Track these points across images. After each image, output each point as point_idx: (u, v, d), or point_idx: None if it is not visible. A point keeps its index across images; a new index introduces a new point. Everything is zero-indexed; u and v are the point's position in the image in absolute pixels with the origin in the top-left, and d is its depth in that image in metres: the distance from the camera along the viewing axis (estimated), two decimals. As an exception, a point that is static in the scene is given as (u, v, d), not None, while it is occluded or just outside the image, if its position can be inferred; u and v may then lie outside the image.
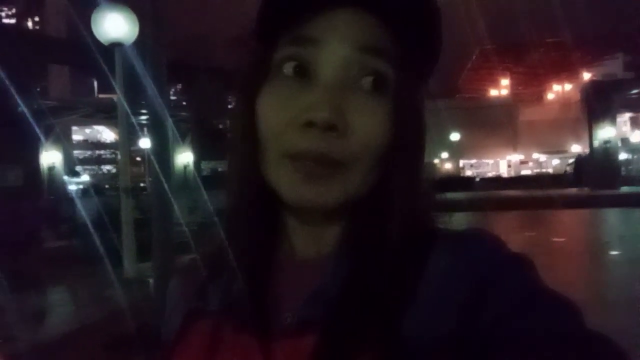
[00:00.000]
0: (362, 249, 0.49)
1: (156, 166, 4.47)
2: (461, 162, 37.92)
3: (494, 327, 0.41)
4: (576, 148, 30.37)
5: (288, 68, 0.48)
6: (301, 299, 0.49)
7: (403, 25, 0.48)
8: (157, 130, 4.69)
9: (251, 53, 0.53)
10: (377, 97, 0.48)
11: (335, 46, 0.47)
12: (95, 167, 35.82)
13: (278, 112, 0.48)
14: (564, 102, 38.12)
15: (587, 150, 28.29)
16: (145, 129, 17.54)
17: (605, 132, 22.45)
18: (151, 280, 5.80)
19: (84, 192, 16.41)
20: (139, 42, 5.78)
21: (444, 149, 31.94)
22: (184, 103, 28.81)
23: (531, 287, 0.44)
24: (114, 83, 6.73)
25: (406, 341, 0.43)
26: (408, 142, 0.50)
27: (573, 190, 22.08)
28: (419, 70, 0.51)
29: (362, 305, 0.45)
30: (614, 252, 8.28)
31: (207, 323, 0.51)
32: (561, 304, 0.42)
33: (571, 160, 33.12)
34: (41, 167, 20.27)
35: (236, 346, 0.49)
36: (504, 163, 38.61)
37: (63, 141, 23.52)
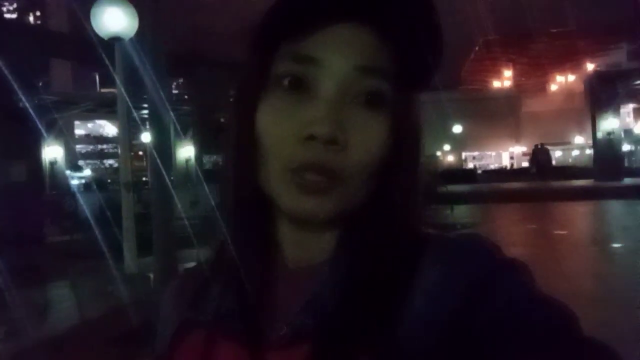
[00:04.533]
0: (357, 258, 0.49)
1: (157, 160, 4.48)
2: (463, 155, 37.81)
3: (488, 330, 0.42)
4: (579, 139, 30.16)
5: (287, 82, 0.49)
6: (294, 308, 0.49)
7: (404, 43, 0.48)
8: (157, 124, 4.70)
9: (248, 63, 0.53)
10: (374, 114, 0.49)
11: (336, 65, 0.48)
12: (97, 162, 35.81)
13: (278, 126, 0.49)
14: (567, 93, 37.87)
15: (539, 144, 27.15)
16: (147, 123, 17.52)
17: (608, 123, 22.18)
18: (152, 276, 5.82)
19: (87, 186, 16.46)
20: (139, 36, 5.75)
21: (447, 141, 31.85)
22: (186, 97, 28.73)
23: (525, 291, 0.44)
24: (115, 77, 6.72)
25: (401, 348, 0.44)
26: (404, 156, 0.51)
27: (578, 182, 21.96)
28: (416, 84, 0.52)
29: (357, 314, 0.46)
30: (616, 245, 8.25)
31: (200, 334, 0.51)
32: (555, 309, 0.42)
33: (576, 153, 32.69)
34: (43, 162, 20.31)
35: (229, 358, 0.49)
36: (506, 155, 38.46)
37: (65, 136, 23.53)
